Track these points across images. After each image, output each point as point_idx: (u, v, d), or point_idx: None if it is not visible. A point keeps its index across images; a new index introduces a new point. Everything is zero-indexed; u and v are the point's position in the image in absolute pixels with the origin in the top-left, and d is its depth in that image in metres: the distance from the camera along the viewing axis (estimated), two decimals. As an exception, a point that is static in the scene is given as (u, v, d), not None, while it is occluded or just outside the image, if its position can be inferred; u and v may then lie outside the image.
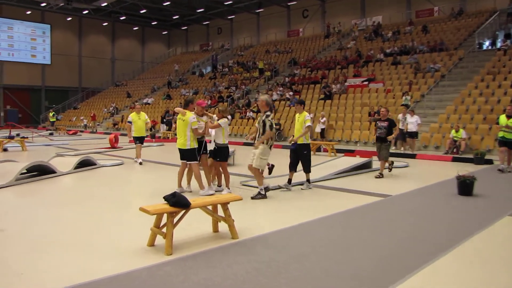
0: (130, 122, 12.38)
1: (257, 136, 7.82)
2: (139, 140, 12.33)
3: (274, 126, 7.69)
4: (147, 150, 16.33)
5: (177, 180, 8.00)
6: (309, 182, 8.52)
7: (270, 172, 8.64)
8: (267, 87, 28.47)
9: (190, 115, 7.74)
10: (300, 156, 8.51)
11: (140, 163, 12.08)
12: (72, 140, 22.44)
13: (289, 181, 8.48)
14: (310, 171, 8.54)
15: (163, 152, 15.99)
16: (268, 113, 7.66)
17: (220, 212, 5.41)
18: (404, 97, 19.32)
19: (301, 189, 8.29)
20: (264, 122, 7.61)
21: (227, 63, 37.74)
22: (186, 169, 8.04)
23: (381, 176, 9.87)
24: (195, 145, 7.79)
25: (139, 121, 12.22)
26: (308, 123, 8.34)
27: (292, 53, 33.95)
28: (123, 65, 49.05)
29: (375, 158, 11.11)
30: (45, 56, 44.14)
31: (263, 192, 7.63)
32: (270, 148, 7.70)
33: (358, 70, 24.58)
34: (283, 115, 23.00)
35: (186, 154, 7.83)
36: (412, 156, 14.47)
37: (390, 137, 9.85)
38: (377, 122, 10.30)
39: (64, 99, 44.32)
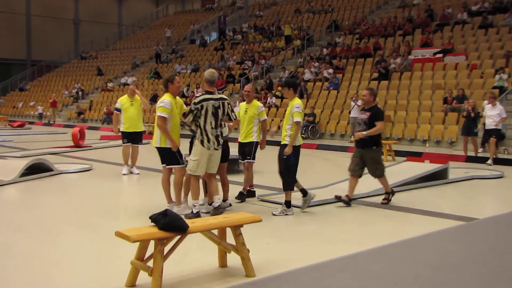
0: (118, 110, 11.91)
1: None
2: (131, 137, 11.76)
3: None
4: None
5: (164, 193, 8.11)
6: (288, 207, 8.06)
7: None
8: (297, 61, 28.49)
9: (162, 98, 7.88)
10: (280, 160, 8.30)
11: (132, 173, 11.93)
12: (17, 136, 22.75)
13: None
14: (291, 188, 8.16)
15: (148, 153, 16.13)
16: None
17: (230, 238, 5.46)
18: (498, 76, 19.15)
19: (272, 213, 7.99)
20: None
21: (240, 27, 37.82)
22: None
23: (387, 201, 8.90)
24: (167, 144, 7.83)
25: (131, 108, 11.71)
26: (297, 118, 7.96)
27: (333, 13, 33.88)
28: (91, 29, 49.57)
29: (454, 163, 11.00)
30: (-25, 14, 44.70)
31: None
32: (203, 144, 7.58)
33: (428, 38, 24.41)
34: (319, 103, 22.98)
35: (161, 155, 7.98)
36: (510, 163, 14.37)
37: (359, 134, 8.74)
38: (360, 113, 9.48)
39: (5, 76, 44.79)
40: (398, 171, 11.14)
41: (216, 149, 7.63)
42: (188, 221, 5.09)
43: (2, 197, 9.71)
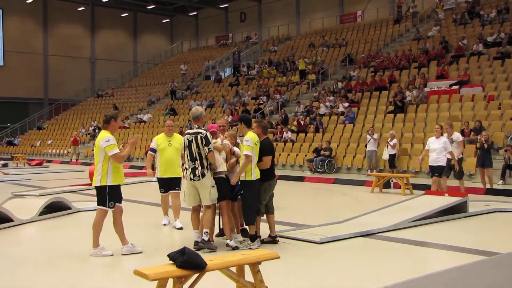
0: (153, 151, 10.16)
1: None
2: (168, 184, 10.07)
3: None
4: (144, 187, 16.58)
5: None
6: (252, 241, 8.10)
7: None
8: (312, 95, 28.62)
9: (104, 136, 7.74)
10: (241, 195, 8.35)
11: (174, 227, 10.02)
12: (36, 174, 23.00)
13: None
14: (249, 223, 8.18)
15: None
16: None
17: (249, 276, 5.46)
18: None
19: (235, 246, 7.95)
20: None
21: (255, 63, 38.17)
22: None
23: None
24: (110, 182, 7.77)
25: (168, 149, 9.98)
26: (247, 151, 7.96)
27: (347, 46, 34.13)
28: (107, 67, 50.29)
29: (474, 196, 10.90)
30: (-6, 54, 45.77)
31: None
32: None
33: (444, 69, 24.45)
34: (335, 136, 23.00)
35: (96, 193, 7.94)
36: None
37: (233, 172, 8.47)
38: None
39: (23, 115, 45.54)
40: (417, 205, 11.08)
41: (193, 180, 7.94)
42: (206, 259, 5.11)
43: (21, 236, 9.81)
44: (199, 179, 7.88)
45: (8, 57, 45.93)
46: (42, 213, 11.08)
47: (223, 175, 8.19)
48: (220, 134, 8.74)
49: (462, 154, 14.13)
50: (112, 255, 7.81)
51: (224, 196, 8.12)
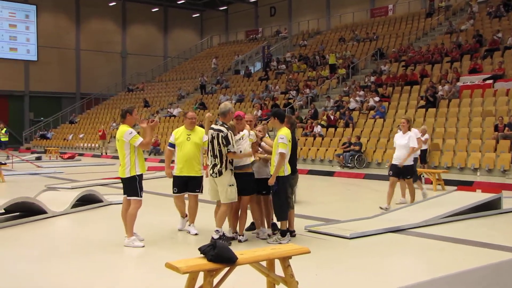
0: (172, 146, 9.10)
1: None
2: (185, 184, 8.96)
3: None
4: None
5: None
6: (283, 236, 8.07)
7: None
8: (342, 90, 28.49)
9: (126, 130, 8.07)
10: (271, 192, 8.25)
11: (189, 232, 9.02)
12: (68, 167, 23.35)
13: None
14: (282, 218, 8.10)
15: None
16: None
17: (279, 270, 5.47)
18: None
19: (267, 242, 8.03)
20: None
21: (284, 57, 38.11)
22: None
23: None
24: (139, 171, 8.07)
25: (188, 144, 8.88)
26: (281, 149, 7.92)
27: (378, 41, 33.87)
28: (138, 62, 50.82)
29: (508, 193, 10.75)
30: (29, 50, 46.38)
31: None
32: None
33: (477, 64, 24.10)
34: (365, 131, 22.85)
35: (125, 185, 8.18)
36: None
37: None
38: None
39: (56, 109, 46.13)
40: (449, 201, 10.98)
41: (212, 176, 7.96)
42: (237, 253, 5.13)
43: (55, 227, 9.99)
44: (216, 176, 7.89)
45: (42, 53, 46.53)
46: (75, 205, 11.25)
47: (250, 170, 8.18)
48: (248, 126, 8.50)
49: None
50: (143, 246, 7.93)
51: (247, 193, 8.14)
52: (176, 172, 8.93)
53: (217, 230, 7.89)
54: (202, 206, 9.24)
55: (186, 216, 9.15)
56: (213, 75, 40.74)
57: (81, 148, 36.18)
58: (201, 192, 8.98)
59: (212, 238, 7.67)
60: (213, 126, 8.11)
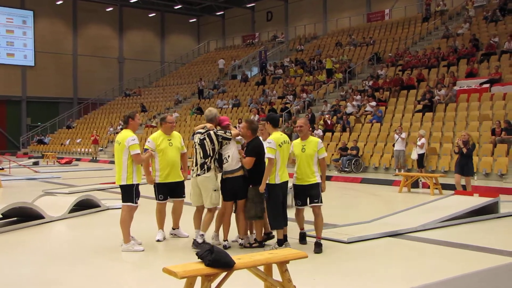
0: (150, 151, 8.56)
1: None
2: (172, 190, 8.78)
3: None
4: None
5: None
6: (279, 245, 7.81)
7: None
8: (339, 95, 28.50)
9: (130, 135, 7.99)
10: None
11: (175, 235, 9.05)
12: (65, 172, 23.31)
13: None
14: (277, 227, 7.88)
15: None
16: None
17: (277, 274, 5.46)
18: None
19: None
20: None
21: (281, 62, 38.13)
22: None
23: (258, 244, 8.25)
24: (136, 181, 8.03)
25: (169, 150, 8.62)
26: (269, 154, 7.70)
27: (375, 45, 33.90)
28: (135, 67, 50.83)
29: (506, 197, 10.75)
30: (26, 55, 46.39)
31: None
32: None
33: (474, 68, 24.13)
34: (362, 136, 22.86)
35: (121, 192, 8.17)
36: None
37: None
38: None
39: (54, 114, 46.12)
40: (446, 205, 10.97)
41: (198, 175, 7.97)
42: (234, 257, 5.12)
43: (52, 232, 9.97)
44: (205, 173, 7.90)
45: (39, 58, 46.54)
46: (72, 210, 11.23)
47: (240, 172, 8.00)
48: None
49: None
50: (143, 250, 7.91)
51: (241, 197, 8.00)
52: (160, 179, 8.58)
53: (201, 234, 7.95)
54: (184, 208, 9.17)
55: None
56: (219, 77, 40.92)
57: (78, 153, 36.13)
58: (184, 195, 8.92)
59: (196, 241, 7.88)
60: (199, 130, 8.15)
